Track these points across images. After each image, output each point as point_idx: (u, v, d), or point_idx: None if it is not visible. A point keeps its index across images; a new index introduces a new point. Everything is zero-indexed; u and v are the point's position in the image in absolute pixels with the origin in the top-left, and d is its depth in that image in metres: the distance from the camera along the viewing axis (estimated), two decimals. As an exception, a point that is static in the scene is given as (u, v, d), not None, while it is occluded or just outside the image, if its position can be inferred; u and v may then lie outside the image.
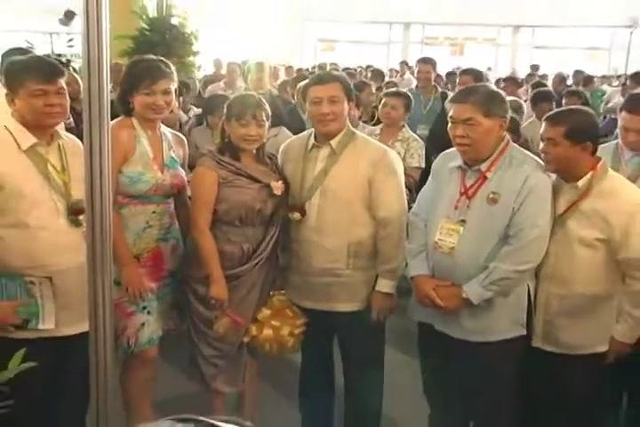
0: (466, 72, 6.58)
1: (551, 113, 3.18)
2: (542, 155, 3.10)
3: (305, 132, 3.53)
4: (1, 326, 2.86)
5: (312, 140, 3.38)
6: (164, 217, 3.34)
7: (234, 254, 3.30)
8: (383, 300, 3.34)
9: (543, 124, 3.10)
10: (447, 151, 3.33)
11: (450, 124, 3.08)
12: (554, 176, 3.14)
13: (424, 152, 5.13)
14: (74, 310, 2.92)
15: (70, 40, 11.86)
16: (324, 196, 3.29)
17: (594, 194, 2.99)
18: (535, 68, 16.04)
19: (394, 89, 6.21)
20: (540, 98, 6.69)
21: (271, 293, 3.44)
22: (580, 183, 3.01)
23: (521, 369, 3.16)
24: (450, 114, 3.09)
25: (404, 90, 6.57)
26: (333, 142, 3.30)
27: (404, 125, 5.27)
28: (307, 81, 3.50)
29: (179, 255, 3.43)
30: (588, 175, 3.01)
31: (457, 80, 6.88)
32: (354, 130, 3.44)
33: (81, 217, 2.97)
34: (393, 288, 3.35)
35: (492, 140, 3.04)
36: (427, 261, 3.19)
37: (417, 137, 5.30)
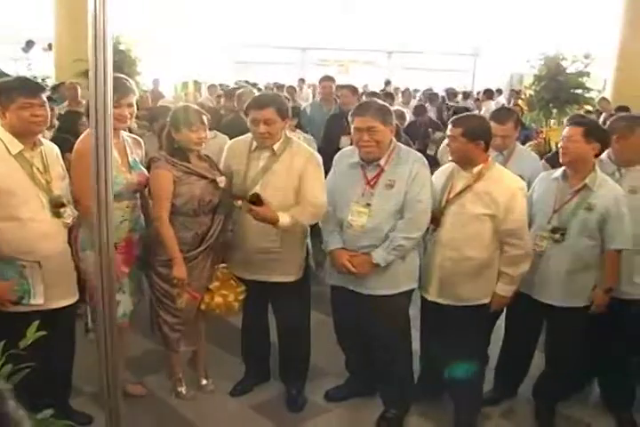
0: (344, 86, 6.44)
1: (455, 117, 3.27)
2: (448, 148, 3.24)
3: (248, 135, 3.41)
4: (0, 302, 2.79)
5: (255, 144, 3.34)
6: (135, 210, 3.28)
7: (189, 239, 3.26)
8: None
9: (449, 125, 3.22)
10: (345, 149, 3.43)
11: (354, 132, 3.15)
12: (446, 166, 3.31)
13: (316, 146, 4.99)
14: (58, 288, 2.87)
15: (29, 65, 11.35)
16: (264, 187, 3.25)
17: (484, 179, 3.13)
18: (387, 82, 16.37)
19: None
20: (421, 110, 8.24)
21: (215, 267, 3.41)
22: (475, 171, 3.15)
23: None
24: (354, 125, 3.15)
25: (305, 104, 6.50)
26: (275, 146, 3.28)
27: (296, 127, 5.13)
28: (248, 102, 3.36)
29: (144, 242, 3.36)
30: (480, 166, 3.15)
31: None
32: (290, 136, 3.43)
33: (61, 210, 2.90)
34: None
35: (387, 142, 3.18)
36: (340, 237, 3.26)
37: (307, 136, 5.18)
